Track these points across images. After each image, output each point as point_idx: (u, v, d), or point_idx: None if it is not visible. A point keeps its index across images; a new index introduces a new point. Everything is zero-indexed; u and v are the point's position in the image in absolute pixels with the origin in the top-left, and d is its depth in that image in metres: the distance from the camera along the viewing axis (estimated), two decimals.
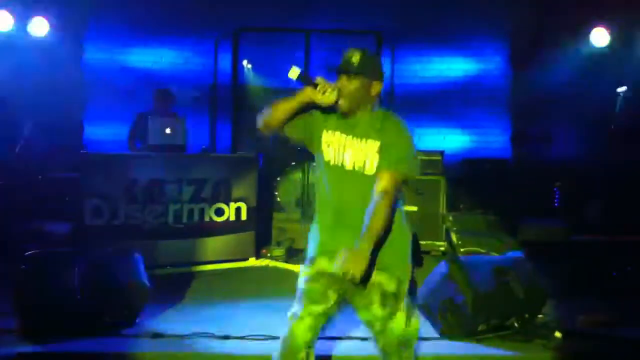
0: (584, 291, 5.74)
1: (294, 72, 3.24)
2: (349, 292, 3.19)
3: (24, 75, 7.67)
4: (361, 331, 4.28)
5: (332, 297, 3.21)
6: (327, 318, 3.24)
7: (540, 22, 9.08)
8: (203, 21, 9.56)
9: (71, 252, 5.01)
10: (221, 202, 6.93)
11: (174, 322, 4.81)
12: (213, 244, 6.90)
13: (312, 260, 3.29)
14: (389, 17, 9.55)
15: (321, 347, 3.73)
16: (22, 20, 7.97)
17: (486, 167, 9.18)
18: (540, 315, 4.78)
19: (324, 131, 3.31)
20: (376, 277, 3.13)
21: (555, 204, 8.43)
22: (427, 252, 7.54)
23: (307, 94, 3.25)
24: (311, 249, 3.35)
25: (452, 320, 4.53)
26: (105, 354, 4.21)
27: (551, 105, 8.94)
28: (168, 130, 6.81)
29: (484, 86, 9.86)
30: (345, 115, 3.29)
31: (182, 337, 4.45)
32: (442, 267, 4.78)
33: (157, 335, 4.46)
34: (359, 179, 3.20)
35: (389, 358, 3.23)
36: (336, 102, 3.23)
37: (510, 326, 4.61)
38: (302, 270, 3.31)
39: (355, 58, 3.30)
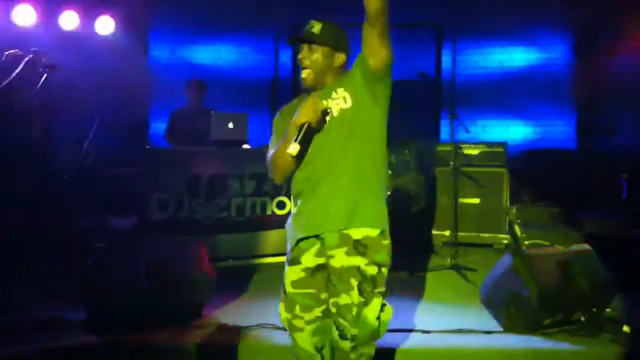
0: None
1: (295, 149, 3.02)
2: (333, 276, 3.07)
3: (91, 74, 7.85)
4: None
5: (327, 296, 3.13)
6: (329, 314, 3.13)
7: (604, 10, 8.85)
8: (263, 17, 9.63)
9: (137, 245, 5.12)
10: (283, 195, 6.98)
11: (238, 313, 4.88)
12: (275, 237, 6.95)
13: (296, 258, 3.17)
14: (449, 8, 9.46)
15: None
16: (88, 19, 8.16)
17: (550, 159, 9.02)
18: (607, 310, 4.68)
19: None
20: (356, 259, 3.03)
21: (623, 196, 8.22)
22: (490, 245, 7.47)
23: (297, 123, 3.05)
24: (290, 245, 3.24)
25: (516, 314, 4.48)
26: (170, 346, 4.29)
27: (616, 95, 8.71)
28: (230, 125, 6.89)
29: (547, 76, 9.67)
30: (309, 91, 3.20)
31: (246, 328, 4.50)
32: (506, 260, 4.73)
33: (221, 327, 4.53)
34: (338, 134, 3.09)
35: (359, 348, 3.07)
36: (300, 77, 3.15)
37: (577, 320, 4.52)
38: (287, 272, 3.20)
39: (317, 28, 3.23)
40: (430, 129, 9.35)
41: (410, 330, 4.46)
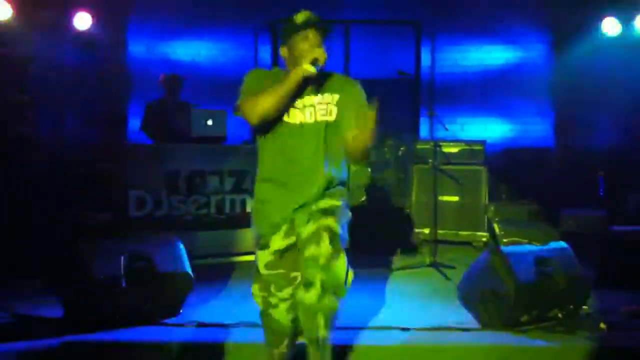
0: (629, 282, 5.64)
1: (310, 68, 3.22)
2: (301, 232, 3.25)
3: (68, 69, 7.78)
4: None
5: (296, 274, 3.35)
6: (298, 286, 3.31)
7: (582, 9, 8.92)
8: (242, 13, 9.60)
9: (115, 242, 5.09)
10: None
11: (217, 311, 4.87)
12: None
13: (265, 244, 3.42)
14: (428, 6, 9.49)
15: None
16: (66, 14, 8.09)
17: (528, 157, 9.08)
18: (584, 307, 4.72)
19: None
20: (326, 220, 3.23)
21: (600, 194, 8.30)
22: (469, 243, 7.50)
23: (299, 74, 3.22)
24: (259, 228, 3.46)
25: (493, 311, 4.51)
26: (149, 343, 4.27)
27: (594, 94, 8.78)
28: (209, 122, 6.87)
29: (525, 74, 9.73)
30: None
31: (225, 326, 4.49)
32: (484, 257, 4.76)
33: (201, 325, 4.52)
34: (313, 132, 3.34)
35: (325, 297, 3.13)
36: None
37: (553, 317, 4.56)
38: (258, 255, 3.46)
39: (313, 15, 3.48)
40: (409, 127, 9.37)
41: (389, 328, 4.47)
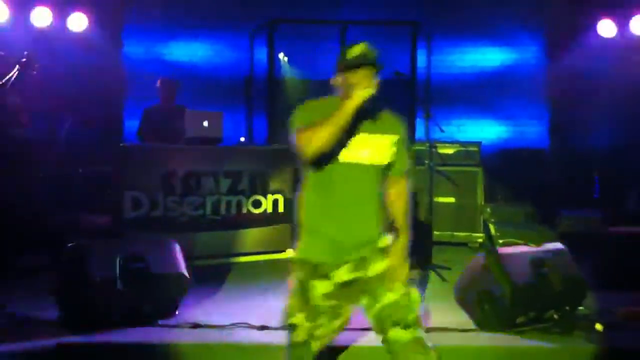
0: (625, 283, 5.65)
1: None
2: (371, 284, 3.22)
3: (64, 71, 7.77)
4: None
5: (349, 309, 3.29)
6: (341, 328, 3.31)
7: (576, 10, 8.95)
8: (238, 14, 9.60)
9: (111, 244, 5.08)
10: (258, 194, 6.97)
11: (212, 312, 4.86)
12: (250, 236, 6.95)
13: (326, 274, 3.20)
14: (425, 7, 9.50)
15: None
16: (61, 15, 8.08)
17: (524, 158, 9.10)
18: (580, 307, 4.72)
19: None
20: (385, 263, 3.24)
21: (595, 195, 8.32)
22: (465, 244, 7.51)
23: (354, 102, 3.13)
24: (319, 256, 3.23)
25: (489, 312, 4.51)
26: (145, 344, 4.26)
27: (589, 94, 8.81)
28: (205, 123, 6.86)
29: (521, 76, 9.75)
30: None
31: (221, 327, 4.49)
32: (479, 258, 4.76)
33: (196, 326, 4.51)
34: (369, 172, 3.26)
35: (418, 330, 3.21)
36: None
37: (549, 318, 4.56)
38: (313, 284, 3.20)
39: (372, 54, 3.36)
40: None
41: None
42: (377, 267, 3.22)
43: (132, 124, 8.20)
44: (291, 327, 3.26)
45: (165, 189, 6.62)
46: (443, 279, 6.05)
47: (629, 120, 8.43)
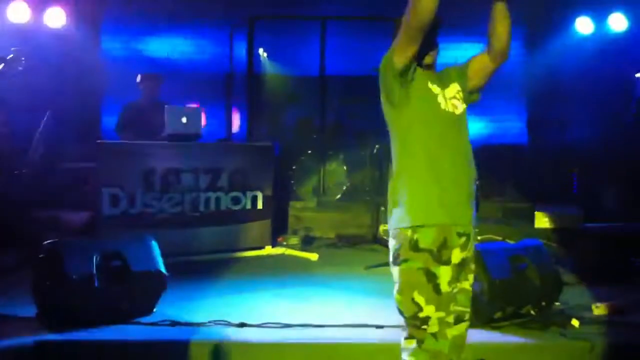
0: (601, 279, 5.71)
1: None
2: (463, 267, 3.18)
3: (41, 67, 7.70)
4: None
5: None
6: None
7: (554, 7, 9.00)
8: (218, 9, 9.56)
9: (89, 241, 5.05)
10: (237, 190, 6.96)
11: (190, 310, 4.85)
12: (229, 233, 6.93)
13: (448, 258, 3.03)
14: (405, 3, 9.50)
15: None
16: (38, 11, 8.00)
17: (502, 154, 9.14)
18: (557, 303, 4.76)
19: (429, 82, 3.28)
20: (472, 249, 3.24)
21: (574, 190, 8.39)
22: None
23: None
24: (441, 236, 3.03)
25: None
26: (122, 342, 4.24)
27: (568, 91, 8.87)
28: (184, 120, 6.83)
29: (500, 72, 9.70)
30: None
31: (199, 324, 4.48)
32: None
33: (174, 323, 4.50)
34: (462, 123, 3.34)
35: (465, 322, 3.24)
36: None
37: (527, 314, 4.59)
38: (439, 272, 3.01)
39: None
40: (385, 124, 9.37)
41: (364, 326, 4.47)
42: (470, 249, 3.20)
43: (110, 120, 8.14)
44: (421, 321, 3.03)
45: (143, 185, 6.59)
46: None
47: (607, 116, 8.50)
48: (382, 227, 7.75)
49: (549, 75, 8.97)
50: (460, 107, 3.37)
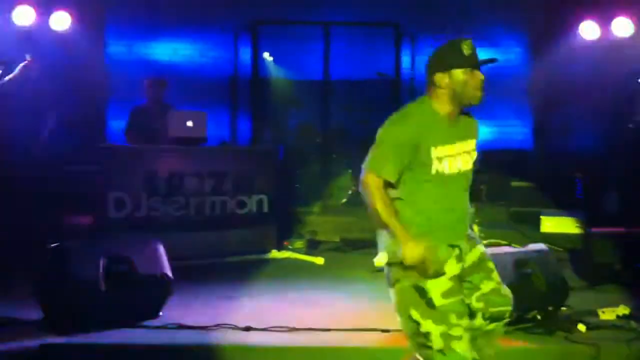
0: (606, 283, 5.71)
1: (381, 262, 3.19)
2: (469, 274, 3.21)
3: (47, 70, 7.72)
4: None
5: (469, 301, 3.18)
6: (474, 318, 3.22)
7: (559, 12, 9.00)
8: (222, 14, 9.58)
9: (94, 244, 5.05)
10: (243, 194, 6.96)
11: (196, 313, 4.85)
12: (234, 237, 6.94)
13: (440, 270, 3.06)
14: (408, 8, 9.52)
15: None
16: (44, 14, 8.02)
17: (507, 159, 9.13)
18: (563, 308, 4.75)
19: (432, 148, 3.17)
20: (480, 248, 3.30)
21: (578, 195, 8.38)
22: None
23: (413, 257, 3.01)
24: (429, 253, 3.05)
25: None
26: (128, 346, 4.24)
27: (572, 96, 8.86)
28: (189, 123, 6.84)
29: (504, 77, 9.78)
30: (452, 121, 3.34)
31: (205, 328, 4.48)
32: None
33: (180, 327, 4.50)
34: (463, 179, 3.31)
35: (504, 319, 3.32)
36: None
37: (532, 319, 4.58)
38: (428, 286, 3.04)
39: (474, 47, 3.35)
40: None
41: (370, 330, 4.47)
42: (471, 256, 3.23)
43: (115, 124, 8.17)
44: (424, 337, 3.05)
45: (148, 189, 6.59)
46: None
47: (612, 121, 8.49)
48: None
49: (553, 80, 8.97)
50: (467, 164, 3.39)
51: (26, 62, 5.53)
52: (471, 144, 3.39)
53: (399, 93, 9.49)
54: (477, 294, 3.19)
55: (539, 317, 4.58)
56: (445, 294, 3.05)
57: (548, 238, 7.01)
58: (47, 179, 7.34)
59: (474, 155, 3.40)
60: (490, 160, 9.08)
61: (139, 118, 7.45)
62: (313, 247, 7.45)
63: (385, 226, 3.10)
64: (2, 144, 6.97)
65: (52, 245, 4.66)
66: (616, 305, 4.84)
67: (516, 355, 4.23)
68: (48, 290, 4.56)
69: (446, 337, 3.01)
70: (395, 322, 4.60)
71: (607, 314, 4.74)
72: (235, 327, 4.47)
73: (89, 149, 7.51)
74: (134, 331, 4.46)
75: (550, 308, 4.64)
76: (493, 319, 3.24)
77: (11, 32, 7.65)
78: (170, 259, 4.92)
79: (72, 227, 6.94)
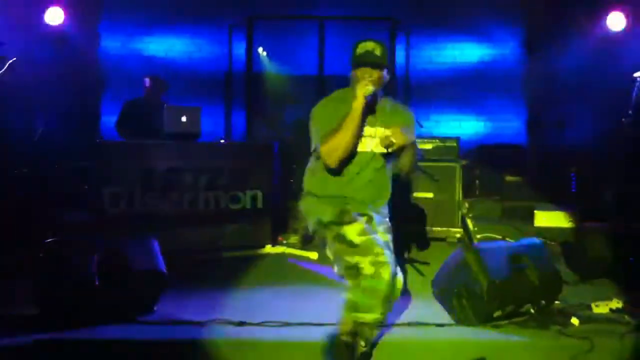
0: (600, 277, 5.73)
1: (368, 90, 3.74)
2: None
3: (41, 65, 7.70)
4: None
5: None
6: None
7: (555, 6, 9.01)
8: (217, 9, 9.57)
9: (89, 240, 5.05)
10: (237, 189, 6.96)
11: (191, 309, 4.85)
12: (229, 232, 6.93)
13: (353, 219, 3.83)
14: (403, 3, 9.52)
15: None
16: (37, 9, 8.01)
17: (502, 153, 9.15)
18: (556, 302, 4.77)
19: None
20: (386, 237, 3.99)
21: (573, 190, 8.39)
22: (443, 239, 7.54)
23: (359, 103, 3.71)
24: (340, 206, 3.91)
25: (467, 306, 4.54)
26: (123, 341, 4.24)
27: (566, 90, 8.88)
28: (184, 119, 6.83)
29: (499, 72, 9.81)
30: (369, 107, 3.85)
31: (199, 323, 4.48)
32: (457, 253, 4.78)
33: (174, 322, 4.50)
34: (377, 160, 3.96)
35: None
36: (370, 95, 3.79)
37: (526, 313, 4.60)
38: (345, 230, 3.77)
39: (378, 50, 3.80)
40: None
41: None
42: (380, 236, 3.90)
43: (109, 119, 8.15)
44: (355, 269, 3.68)
45: (143, 184, 6.59)
46: (421, 274, 6.07)
47: (607, 116, 8.50)
48: None
49: (547, 75, 8.98)
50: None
51: (13, 60, 5.51)
52: (391, 131, 3.82)
53: (395, 88, 9.48)
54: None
55: (532, 310, 4.60)
56: (361, 233, 3.74)
57: (542, 232, 7.04)
58: (42, 174, 7.33)
59: (396, 141, 3.80)
60: (484, 154, 9.12)
61: (132, 112, 7.44)
62: (308, 242, 7.45)
63: (347, 133, 3.75)
64: None
65: (47, 240, 4.66)
66: (610, 299, 4.85)
67: (510, 349, 4.24)
68: (43, 286, 4.55)
69: (375, 263, 3.62)
70: (391, 317, 4.64)
71: (601, 308, 4.76)
72: (230, 322, 4.48)
73: (83, 144, 7.50)
74: (129, 326, 4.46)
75: (543, 302, 4.66)
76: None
77: (5, 26, 7.62)
78: (164, 254, 4.92)
79: (67, 223, 6.93)
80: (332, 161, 3.76)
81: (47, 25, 8.11)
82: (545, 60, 9.04)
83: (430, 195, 7.67)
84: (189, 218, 6.76)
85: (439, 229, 7.52)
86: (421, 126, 6.97)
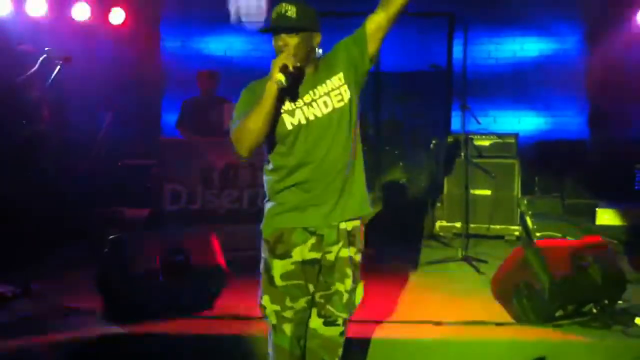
0: None
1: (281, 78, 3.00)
2: (325, 270, 3.14)
3: (103, 66, 7.88)
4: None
5: (311, 286, 3.16)
6: (310, 307, 3.18)
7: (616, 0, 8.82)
8: (274, 5, 9.61)
9: (152, 236, 5.16)
10: None
11: (251, 304, 4.90)
12: None
13: (286, 252, 3.15)
14: None
15: None
16: (100, 10, 8.18)
17: (562, 150, 8.99)
18: (619, 301, 4.68)
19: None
20: (348, 251, 3.13)
21: (636, 187, 8.21)
22: (501, 237, 7.46)
23: (272, 89, 3.01)
24: (272, 236, 3.24)
25: (528, 305, 4.49)
26: (185, 336, 4.33)
27: (629, 85, 8.67)
28: None
29: (560, 66, 9.62)
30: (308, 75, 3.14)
31: (259, 318, 4.52)
32: (517, 251, 4.74)
33: (235, 317, 4.57)
34: (329, 122, 3.08)
35: (344, 332, 3.21)
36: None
37: (588, 312, 4.53)
38: (272, 264, 3.18)
39: (292, 11, 3.07)
40: (441, 120, 9.34)
41: (422, 322, 4.48)
42: (334, 254, 3.11)
43: (170, 118, 8.28)
44: (262, 309, 3.22)
45: (203, 181, 6.69)
46: (479, 272, 6.03)
47: None
48: (438, 224, 7.73)
49: (610, 68, 8.79)
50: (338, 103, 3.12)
51: (44, 56, 5.65)
52: (333, 82, 3.14)
53: (451, 84, 9.39)
54: (323, 292, 3.15)
55: (594, 310, 4.53)
56: (285, 276, 3.11)
57: (604, 230, 6.90)
58: (105, 172, 7.51)
59: (344, 88, 3.11)
60: (544, 151, 8.97)
61: (190, 111, 7.56)
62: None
63: (259, 118, 3.05)
64: (61, 138, 7.14)
65: (111, 237, 4.78)
66: None
67: (572, 350, 4.19)
68: (106, 281, 4.68)
69: (279, 316, 3.13)
70: (447, 314, 4.63)
71: None
72: None
73: (145, 142, 7.65)
74: (190, 321, 4.54)
75: (606, 301, 4.57)
76: (327, 320, 3.16)
77: (69, 27, 7.81)
78: (224, 251, 4.99)
79: (129, 220, 7.08)
80: (244, 150, 3.13)
81: (110, 25, 8.28)
82: (606, 54, 8.84)
83: (488, 192, 7.60)
84: (248, 214, 6.83)
85: (497, 226, 7.45)
86: (479, 122, 6.91)
